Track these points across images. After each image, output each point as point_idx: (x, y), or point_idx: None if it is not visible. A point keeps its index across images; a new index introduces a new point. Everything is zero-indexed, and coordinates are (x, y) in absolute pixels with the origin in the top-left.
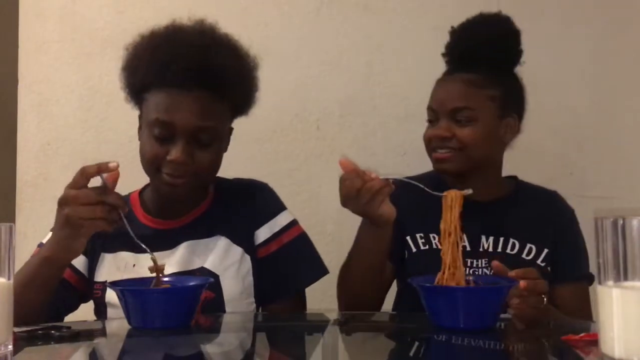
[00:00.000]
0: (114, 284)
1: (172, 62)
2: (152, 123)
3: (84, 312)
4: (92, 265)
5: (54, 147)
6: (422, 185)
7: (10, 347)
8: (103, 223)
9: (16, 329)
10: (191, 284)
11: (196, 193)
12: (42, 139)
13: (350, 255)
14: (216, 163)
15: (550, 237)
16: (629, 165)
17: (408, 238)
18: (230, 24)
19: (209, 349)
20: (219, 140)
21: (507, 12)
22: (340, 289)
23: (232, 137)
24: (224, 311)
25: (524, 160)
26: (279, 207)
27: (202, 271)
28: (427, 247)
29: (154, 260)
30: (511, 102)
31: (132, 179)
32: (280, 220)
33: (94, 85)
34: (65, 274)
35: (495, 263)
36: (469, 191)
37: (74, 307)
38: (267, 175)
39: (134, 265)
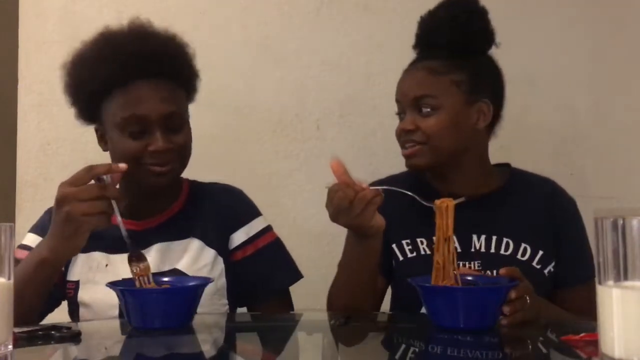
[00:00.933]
0: (114, 284)
1: (130, 57)
2: (125, 121)
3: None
4: (67, 264)
5: (54, 147)
6: (416, 196)
7: (10, 347)
8: (104, 218)
9: (16, 329)
10: (191, 284)
11: (171, 187)
12: (42, 139)
13: (340, 274)
14: (190, 147)
15: (551, 234)
16: (629, 165)
17: (394, 246)
18: (231, 24)
19: (207, 349)
20: (187, 123)
21: (507, 11)
22: (330, 309)
23: (232, 137)
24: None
25: (523, 160)
26: (255, 213)
27: (175, 272)
28: (414, 254)
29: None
30: (481, 86)
31: None
32: (256, 226)
33: None
34: None
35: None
36: (462, 199)
37: (56, 305)
38: (267, 175)
39: (106, 265)
